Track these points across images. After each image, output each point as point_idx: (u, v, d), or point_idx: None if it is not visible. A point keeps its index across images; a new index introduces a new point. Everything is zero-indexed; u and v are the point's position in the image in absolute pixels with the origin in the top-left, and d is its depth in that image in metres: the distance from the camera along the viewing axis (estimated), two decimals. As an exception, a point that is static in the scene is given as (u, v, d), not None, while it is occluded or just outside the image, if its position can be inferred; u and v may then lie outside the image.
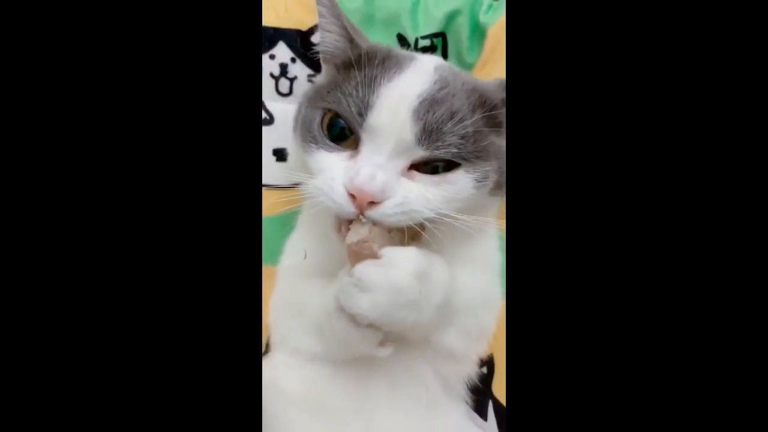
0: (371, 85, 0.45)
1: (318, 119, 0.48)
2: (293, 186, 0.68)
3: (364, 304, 0.43)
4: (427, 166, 0.46)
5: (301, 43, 0.67)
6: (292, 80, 0.68)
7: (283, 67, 0.67)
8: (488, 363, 0.59)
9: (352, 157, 0.46)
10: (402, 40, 0.68)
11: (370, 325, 0.45)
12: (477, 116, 0.46)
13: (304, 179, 0.49)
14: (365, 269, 0.43)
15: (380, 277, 0.43)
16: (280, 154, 0.68)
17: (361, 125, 0.45)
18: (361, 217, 0.45)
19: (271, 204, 0.67)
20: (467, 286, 0.51)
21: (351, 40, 0.51)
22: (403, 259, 0.44)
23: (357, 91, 0.45)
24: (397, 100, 0.45)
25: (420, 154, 0.45)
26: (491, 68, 0.63)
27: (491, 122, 0.48)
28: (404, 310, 0.44)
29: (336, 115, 0.47)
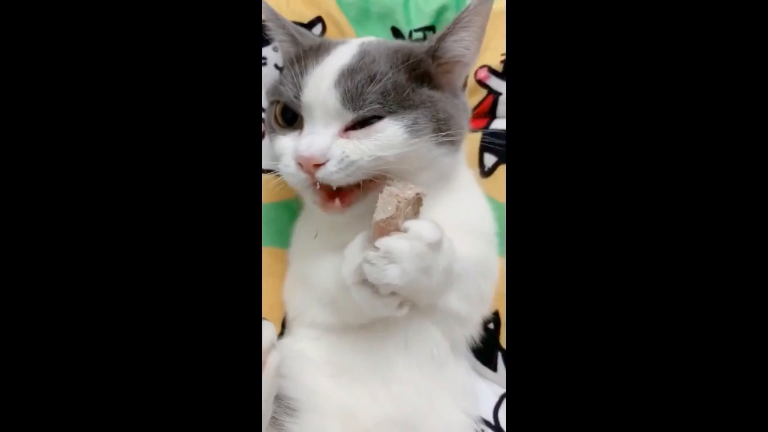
0: (303, 71, 0.53)
1: (272, 112, 0.57)
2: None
3: (394, 274, 0.47)
4: (362, 125, 0.52)
5: (302, 35, 0.70)
6: (295, 71, 0.71)
7: (287, 59, 0.71)
8: (494, 319, 0.66)
9: (300, 135, 0.53)
10: (396, 32, 0.73)
11: (392, 293, 0.49)
12: (397, 71, 0.53)
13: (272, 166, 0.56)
14: (393, 242, 0.47)
15: (407, 248, 0.47)
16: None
17: (299, 106, 0.53)
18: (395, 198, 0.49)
19: (282, 189, 0.70)
20: (466, 255, 0.56)
21: (295, 42, 0.59)
22: (424, 231, 0.49)
23: (293, 79, 0.54)
24: (321, 76, 0.52)
25: (349, 116, 0.51)
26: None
27: (414, 75, 0.54)
28: (422, 276, 0.49)
29: (285, 104, 0.55)
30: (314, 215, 0.66)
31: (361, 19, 0.72)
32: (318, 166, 0.50)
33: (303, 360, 0.60)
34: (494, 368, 0.66)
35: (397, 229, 0.48)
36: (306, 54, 0.55)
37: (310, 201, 0.57)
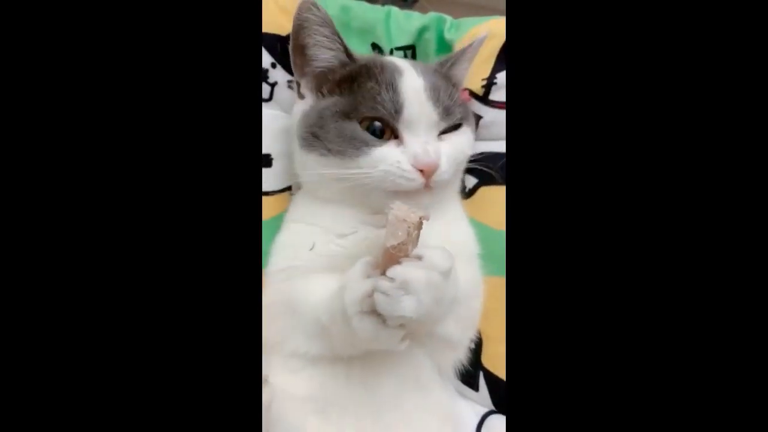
0: (391, 88, 0.56)
1: (358, 127, 0.56)
2: (282, 191, 0.68)
3: (410, 306, 0.44)
4: (446, 132, 0.60)
5: (281, 48, 0.66)
6: (272, 85, 0.67)
7: (264, 72, 0.66)
8: (476, 339, 0.67)
9: (399, 145, 0.56)
10: (376, 49, 0.71)
11: (400, 325, 0.47)
12: (453, 89, 0.60)
13: (347, 174, 0.56)
14: (409, 272, 0.45)
15: (424, 279, 0.45)
16: (265, 160, 0.66)
17: (397, 120, 0.55)
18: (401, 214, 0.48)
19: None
20: (461, 279, 0.55)
21: (350, 56, 0.59)
22: (437, 260, 0.47)
23: (384, 95, 0.55)
24: (416, 95, 0.56)
25: (442, 125, 0.58)
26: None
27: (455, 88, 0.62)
28: (435, 306, 0.47)
29: (372, 119, 0.56)
30: (299, 234, 0.63)
31: (342, 33, 0.69)
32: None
33: (284, 397, 0.56)
34: (476, 388, 0.68)
35: (407, 255, 0.46)
36: (376, 71, 0.57)
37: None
